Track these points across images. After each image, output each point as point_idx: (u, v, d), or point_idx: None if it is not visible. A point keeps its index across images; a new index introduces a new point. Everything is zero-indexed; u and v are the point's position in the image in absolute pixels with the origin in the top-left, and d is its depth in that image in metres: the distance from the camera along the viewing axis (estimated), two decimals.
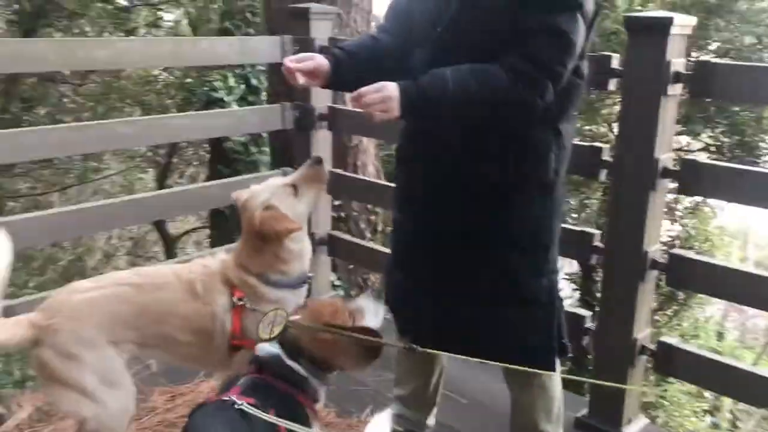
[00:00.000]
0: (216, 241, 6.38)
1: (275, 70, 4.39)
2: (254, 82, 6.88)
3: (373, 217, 4.42)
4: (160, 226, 9.03)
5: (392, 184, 3.39)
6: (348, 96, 1.93)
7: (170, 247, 8.92)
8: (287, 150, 3.82)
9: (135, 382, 2.73)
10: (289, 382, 1.64)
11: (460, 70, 1.73)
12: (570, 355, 2.05)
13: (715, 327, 8.23)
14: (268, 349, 1.66)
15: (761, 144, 6.27)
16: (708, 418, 6.36)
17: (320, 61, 1.88)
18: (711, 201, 7.18)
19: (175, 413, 2.56)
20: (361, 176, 4.20)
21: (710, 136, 6.66)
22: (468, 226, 1.91)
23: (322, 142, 3.44)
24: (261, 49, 3.36)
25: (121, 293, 1.93)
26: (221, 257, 2.07)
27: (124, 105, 8.07)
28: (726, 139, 6.59)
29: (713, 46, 6.45)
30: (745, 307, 8.72)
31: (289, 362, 1.64)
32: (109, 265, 9.24)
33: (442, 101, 1.72)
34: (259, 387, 1.61)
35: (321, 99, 3.35)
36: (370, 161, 4.35)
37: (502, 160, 1.84)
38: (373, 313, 1.70)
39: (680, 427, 6.00)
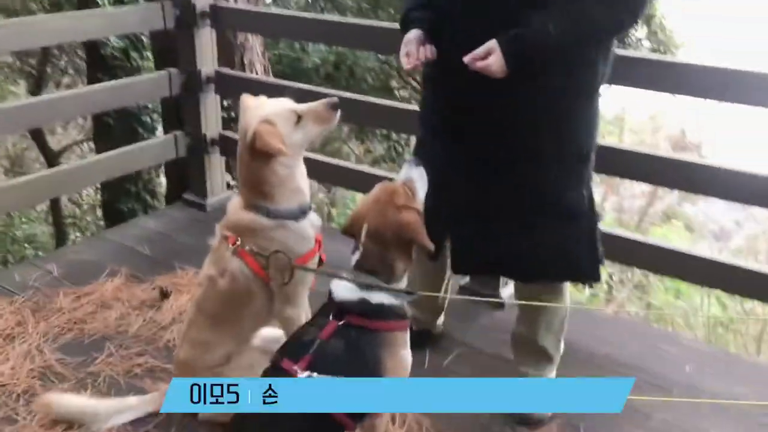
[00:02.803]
0: (101, 152, 6.19)
1: None
2: None
3: None
4: (39, 140, 8.61)
5: (284, 82, 3.46)
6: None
7: (52, 163, 8.56)
8: (170, 52, 3.74)
9: (38, 286, 2.79)
10: (380, 318, 1.60)
11: (557, 15, 1.75)
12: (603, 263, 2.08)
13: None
14: (345, 291, 1.62)
15: None
16: (587, 291, 6.96)
17: (426, 45, 1.91)
18: None
19: (83, 311, 2.63)
20: (249, 74, 4.20)
21: None
22: (515, 140, 1.92)
23: (205, 40, 3.41)
24: (143, 18, 3.37)
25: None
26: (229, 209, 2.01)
27: None
28: None
29: None
30: (622, 190, 9.43)
31: (377, 298, 1.60)
32: None
33: (546, 51, 1.78)
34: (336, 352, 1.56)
35: None
36: (257, 59, 4.33)
37: (556, 68, 1.86)
38: (421, 181, 1.73)
39: None
